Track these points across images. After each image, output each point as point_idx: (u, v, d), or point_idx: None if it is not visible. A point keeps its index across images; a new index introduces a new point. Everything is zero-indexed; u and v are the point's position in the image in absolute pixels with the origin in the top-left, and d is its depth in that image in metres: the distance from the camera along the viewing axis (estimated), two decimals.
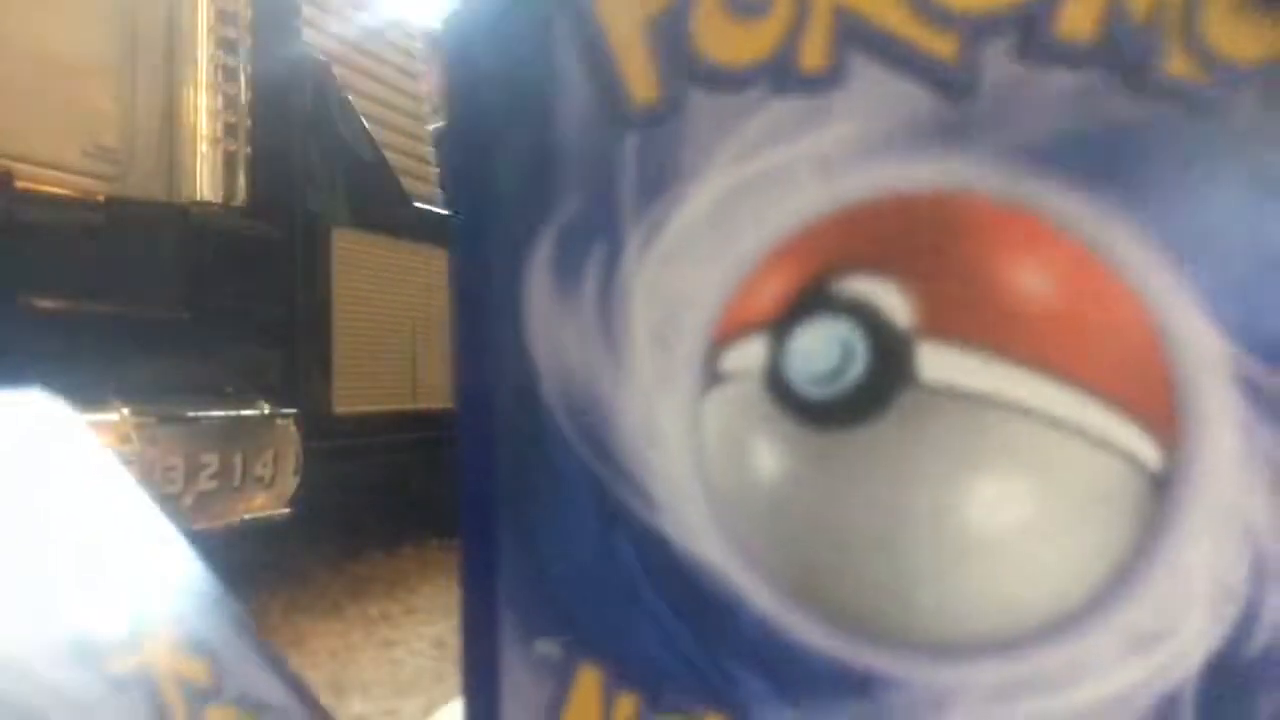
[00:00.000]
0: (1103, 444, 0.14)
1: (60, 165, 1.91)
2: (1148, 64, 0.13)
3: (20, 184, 1.81)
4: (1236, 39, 0.13)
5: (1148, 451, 0.14)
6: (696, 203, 0.16)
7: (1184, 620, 0.14)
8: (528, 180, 0.18)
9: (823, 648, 0.16)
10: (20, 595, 0.20)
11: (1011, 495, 0.15)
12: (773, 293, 0.16)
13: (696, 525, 0.17)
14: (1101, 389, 0.14)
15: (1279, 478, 0.14)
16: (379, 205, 2.74)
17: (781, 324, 0.16)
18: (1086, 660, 0.15)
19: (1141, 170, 0.13)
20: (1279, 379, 0.13)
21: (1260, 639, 0.14)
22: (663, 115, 0.16)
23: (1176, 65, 0.13)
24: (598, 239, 0.17)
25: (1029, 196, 0.14)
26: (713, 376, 0.17)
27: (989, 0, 0.14)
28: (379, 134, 2.80)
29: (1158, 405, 0.14)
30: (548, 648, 0.19)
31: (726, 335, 0.17)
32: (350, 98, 2.67)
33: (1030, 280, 0.15)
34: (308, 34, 2.59)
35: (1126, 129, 0.13)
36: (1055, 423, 0.15)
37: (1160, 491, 0.14)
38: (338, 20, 2.75)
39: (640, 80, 0.17)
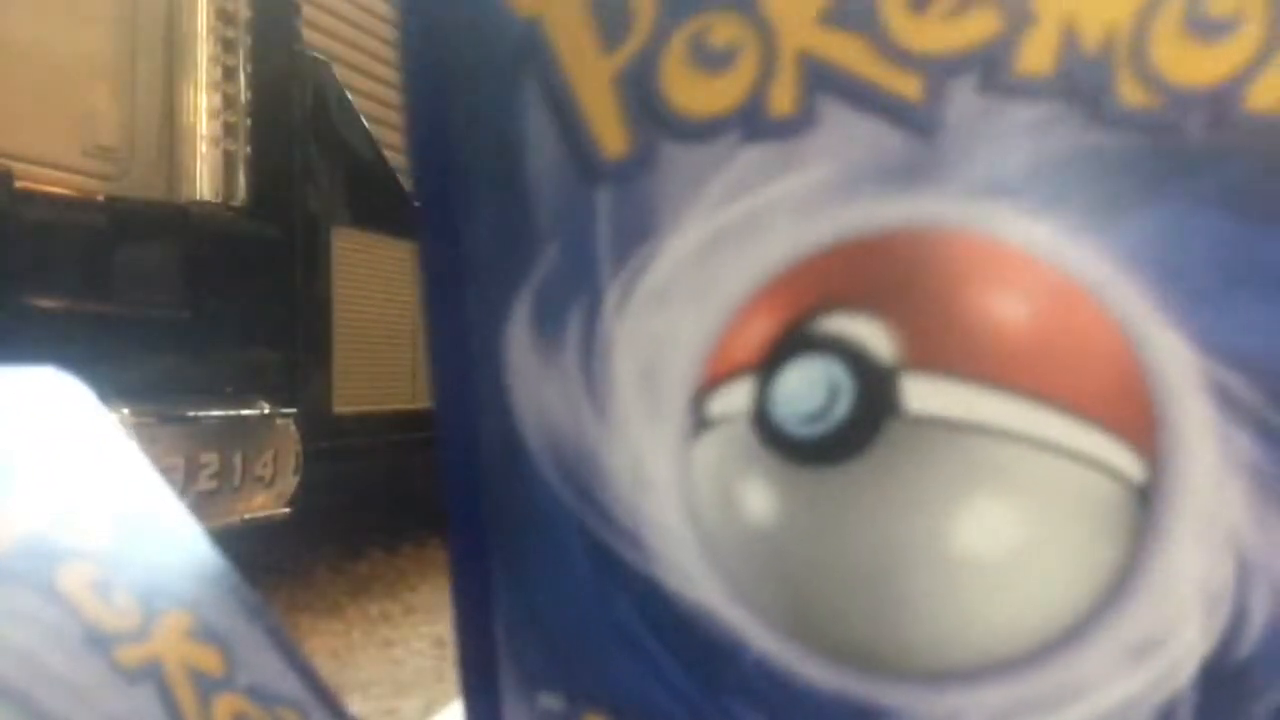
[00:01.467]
0: (1088, 460, 0.15)
1: (60, 165, 1.91)
2: (1103, 94, 0.14)
3: (20, 184, 1.80)
4: (1183, 65, 0.13)
5: (1131, 465, 0.15)
6: (674, 252, 0.17)
7: (1177, 629, 0.15)
8: (501, 239, 0.18)
9: (824, 684, 0.16)
10: (28, 580, 0.20)
11: (1002, 518, 0.15)
12: (756, 336, 0.16)
13: (691, 570, 0.17)
14: (1083, 407, 0.15)
15: (1255, 481, 0.14)
16: (379, 205, 2.74)
17: (766, 366, 0.16)
18: (1085, 677, 0.15)
19: (1105, 196, 0.14)
20: (1247, 384, 0.14)
21: (1249, 642, 0.14)
22: (635, 167, 0.17)
23: (1130, 94, 0.14)
24: (576, 294, 0.17)
25: (1000, 226, 0.15)
26: (700, 422, 0.17)
27: (951, 40, 0.14)
28: (379, 134, 2.80)
29: (1138, 419, 0.15)
30: (551, 700, 0.19)
31: (712, 380, 0.17)
32: (350, 98, 2.67)
33: (1007, 307, 0.15)
34: (308, 34, 2.58)
35: (1088, 156, 0.14)
36: (1040, 444, 0.15)
37: (1145, 503, 0.15)
38: (338, 20, 2.75)
39: (610, 133, 0.17)
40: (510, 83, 0.17)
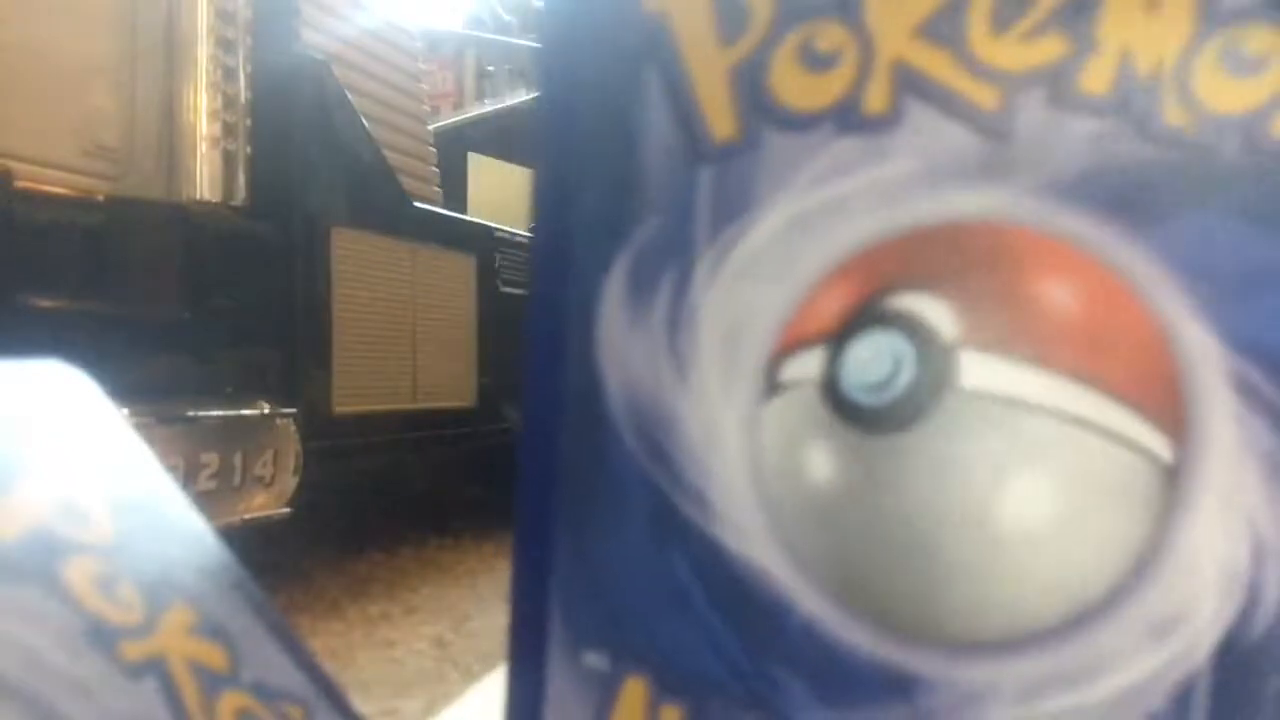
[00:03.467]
0: (1122, 440, 0.16)
1: (60, 165, 1.91)
2: (1151, 115, 0.16)
3: (20, 184, 1.80)
4: (1220, 95, 0.15)
5: (1161, 445, 0.16)
6: (765, 227, 0.18)
7: (1197, 607, 0.16)
8: (609, 208, 0.20)
9: (866, 649, 0.18)
10: (32, 574, 0.20)
11: (1043, 491, 0.17)
12: (831, 308, 0.18)
13: (750, 530, 0.18)
14: (1120, 390, 0.16)
15: (1269, 466, 0.15)
16: (379, 205, 2.74)
17: (839, 337, 0.18)
18: (1111, 651, 0.16)
19: (1149, 202, 0.16)
20: (1265, 377, 0.15)
21: (1263, 620, 0.16)
22: (739, 150, 0.18)
23: (1174, 116, 0.16)
24: (672, 260, 0.19)
25: (1057, 224, 0.16)
26: (773, 386, 0.18)
27: (1025, 59, 0.16)
28: (379, 134, 2.80)
29: (1168, 403, 0.16)
30: (596, 660, 0.20)
31: (787, 347, 0.18)
32: (350, 98, 2.67)
33: (1058, 296, 0.17)
34: (308, 34, 2.58)
35: (1136, 168, 0.16)
36: (1081, 422, 0.16)
37: (1172, 482, 0.16)
38: (338, 20, 2.75)
39: (721, 119, 0.19)
40: (634, 67, 0.19)
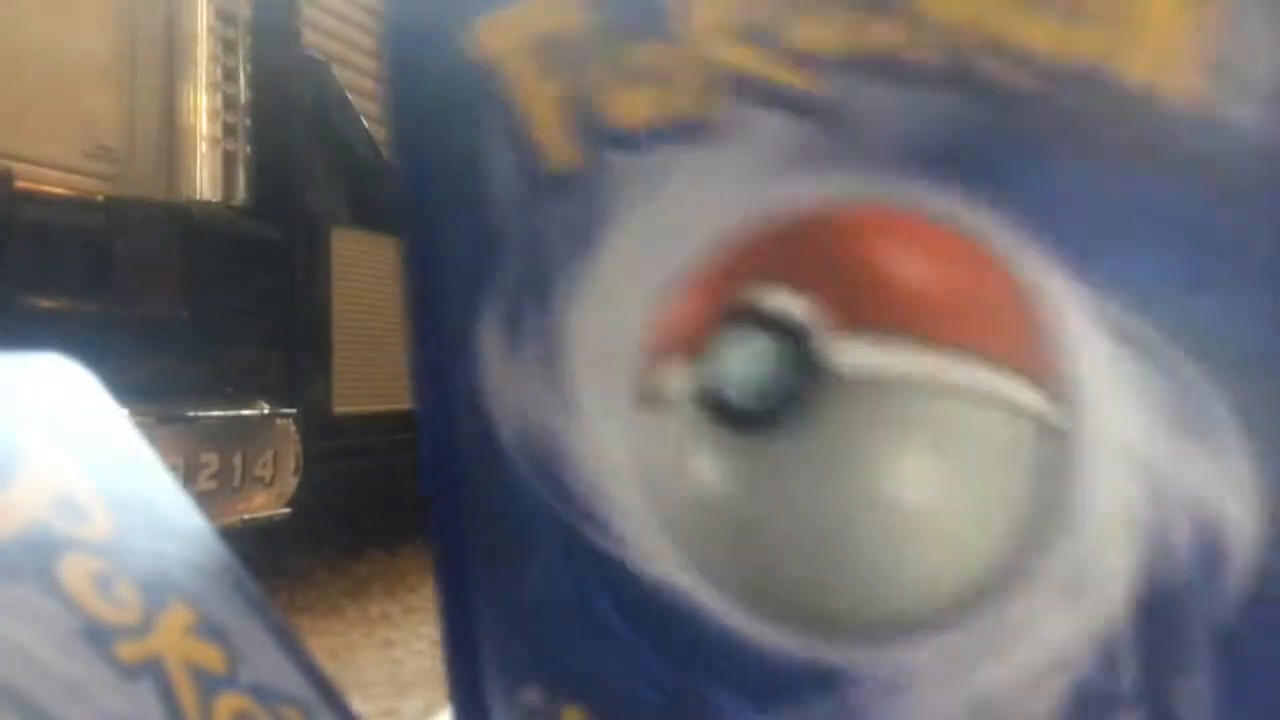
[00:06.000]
0: (1004, 404, 0.16)
1: (60, 165, 1.91)
2: (979, 72, 0.15)
3: (20, 184, 1.80)
4: (1051, 42, 0.15)
5: (1044, 405, 0.16)
6: (614, 248, 0.19)
7: (1105, 561, 0.16)
8: (469, 249, 0.20)
9: (785, 651, 0.17)
10: (29, 572, 0.20)
11: (933, 467, 0.17)
12: (693, 316, 0.18)
13: (654, 549, 0.18)
14: (994, 355, 0.16)
15: (1155, 407, 0.15)
16: (379, 205, 2.73)
17: (705, 344, 0.18)
18: (1024, 617, 0.16)
19: (989, 161, 0.16)
20: (1137, 318, 0.15)
21: (1176, 563, 0.15)
22: (579, 176, 0.19)
23: (1003, 71, 0.15)
24: (534, 294, 0.19)
25: (900, 197, 0.16)
26: (649, 403, 0.18)
27: (841, 39, 0.16)
28: (379, 134, 2.80)
29: (1043, 360, 0.16)
30: (531, 696, 0.20)
31: (655, 362, 0.18)
32: (350, 98, 2.67)
33: (916, 269, 0.16)
34: (308, 34, 2.58)
35: (971, 129, 0.16)
36: (960, 392, 0.16)
37: (1060, 440, 0.16)
38: (338, 20, 2.75)
39: (558, 149, 0.19)
40: (473, 114, 0.20)
